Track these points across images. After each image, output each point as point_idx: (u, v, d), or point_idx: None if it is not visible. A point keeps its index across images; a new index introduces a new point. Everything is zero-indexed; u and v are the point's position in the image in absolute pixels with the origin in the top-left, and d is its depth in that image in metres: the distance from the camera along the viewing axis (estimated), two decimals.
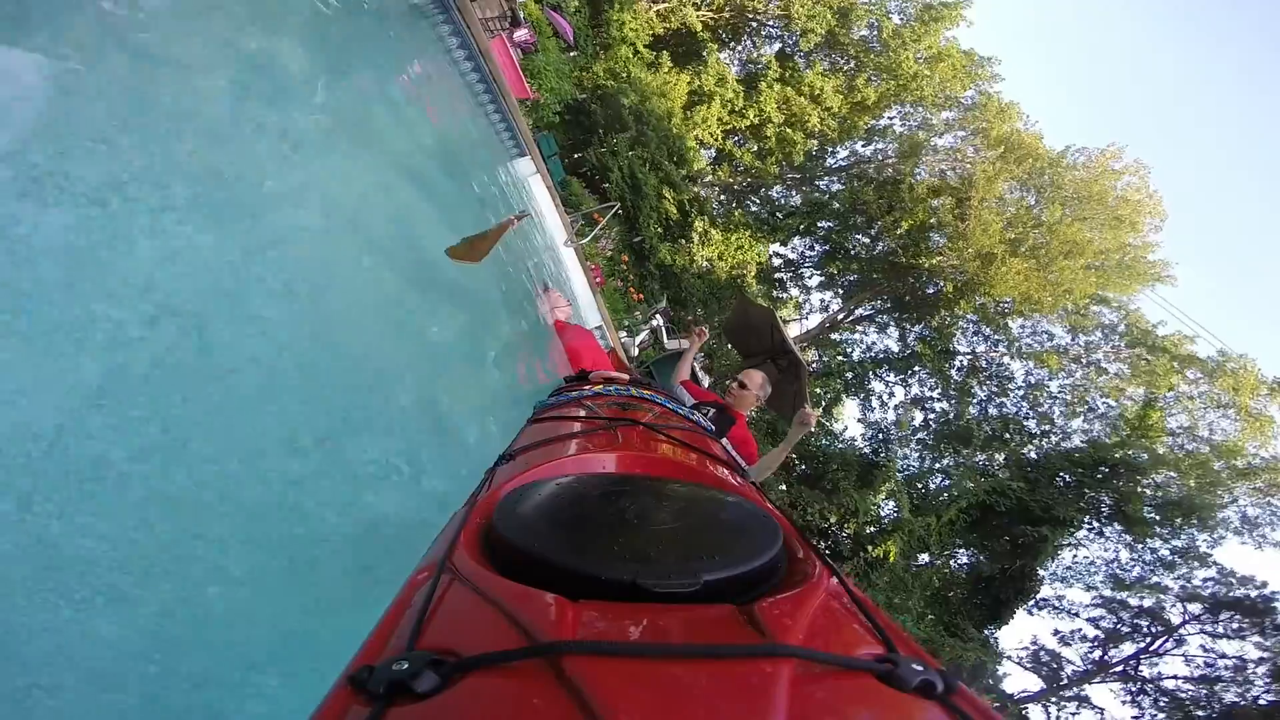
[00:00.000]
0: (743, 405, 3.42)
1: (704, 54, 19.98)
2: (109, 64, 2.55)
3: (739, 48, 22.79)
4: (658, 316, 13.51)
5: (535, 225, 7.36)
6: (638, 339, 12.56)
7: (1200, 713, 16.40)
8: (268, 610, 2.14)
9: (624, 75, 16.76)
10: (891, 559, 14.01)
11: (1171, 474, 17.74)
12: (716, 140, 20.94)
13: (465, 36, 5.94)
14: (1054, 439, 19.89)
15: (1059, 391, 20.51)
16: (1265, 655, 16.25)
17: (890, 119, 22.00)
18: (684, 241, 18.09)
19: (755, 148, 21.67)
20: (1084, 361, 20.36)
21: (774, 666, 0.42)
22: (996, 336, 20.70)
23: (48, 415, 1.85)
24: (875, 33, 20.61)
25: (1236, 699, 16.21)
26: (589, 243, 10.73)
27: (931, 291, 20.54)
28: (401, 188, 4.01)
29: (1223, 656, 16.90)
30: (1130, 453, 17.90)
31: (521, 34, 9.33)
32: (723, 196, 23.54)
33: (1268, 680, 16.00)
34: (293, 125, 3.35)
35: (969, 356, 21.23)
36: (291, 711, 1.86)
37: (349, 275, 3.20)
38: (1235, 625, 16.78)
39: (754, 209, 23.37)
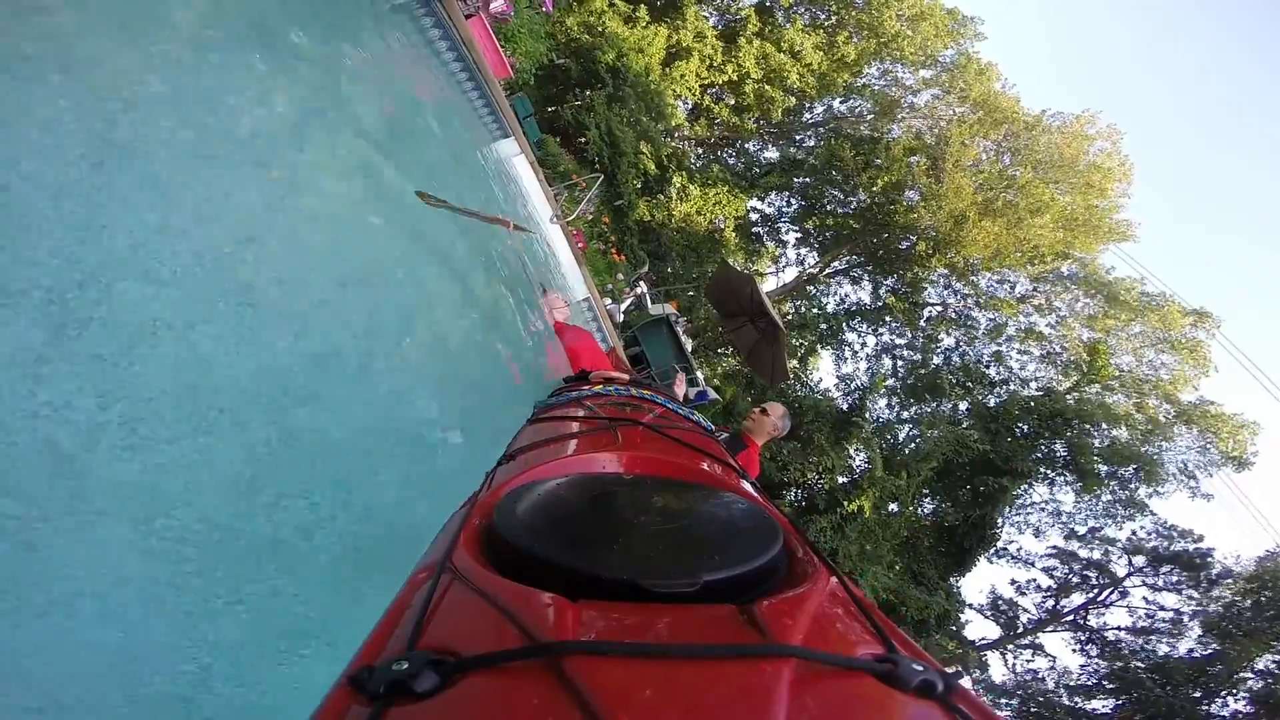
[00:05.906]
0: (758, 431, 3.44)
1: (681, 6, 19.46)
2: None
3: (717, 1, 22.23)
4: (641, 284, 13.63)
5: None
6: (623, 306, 12.72)
7: (1138, 664, 17.27)
8: None
9: (599, 30, 16.33)
10: (866, 513, 14.29)
11: (1120, 426, 18.30)
12: (694, 95, 20.60)
13: (447, 27, 5.86)
14: (1013, 385, 20.46)
15: (1018, 332, 21.00)
16: (1198, 609, 17.20)
17: (869, 77, 21.73)
18: (662, 197, 17.96)
19: (733, 102, 21.35)
20: (1043, 307, 20.80)
21: (774, 666, 0.42)
22: (965, 291, 21.03)
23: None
24: None
25: (1169, 650, 17.23)
26: (572, 210, 10.70)
27: (904, 247, 20.73)
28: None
29: (1161, 609, 17.92)
30: (1082, 401, 18.48)
31: (498, 4, 9.07)
32: (699, 150, 23.28)
33: (1199, 635, 16.97)
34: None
35: (939, 308, 21.63)
36: None
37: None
38: (1174, 579, 17.65)
39: (731, 162, 23.20)
